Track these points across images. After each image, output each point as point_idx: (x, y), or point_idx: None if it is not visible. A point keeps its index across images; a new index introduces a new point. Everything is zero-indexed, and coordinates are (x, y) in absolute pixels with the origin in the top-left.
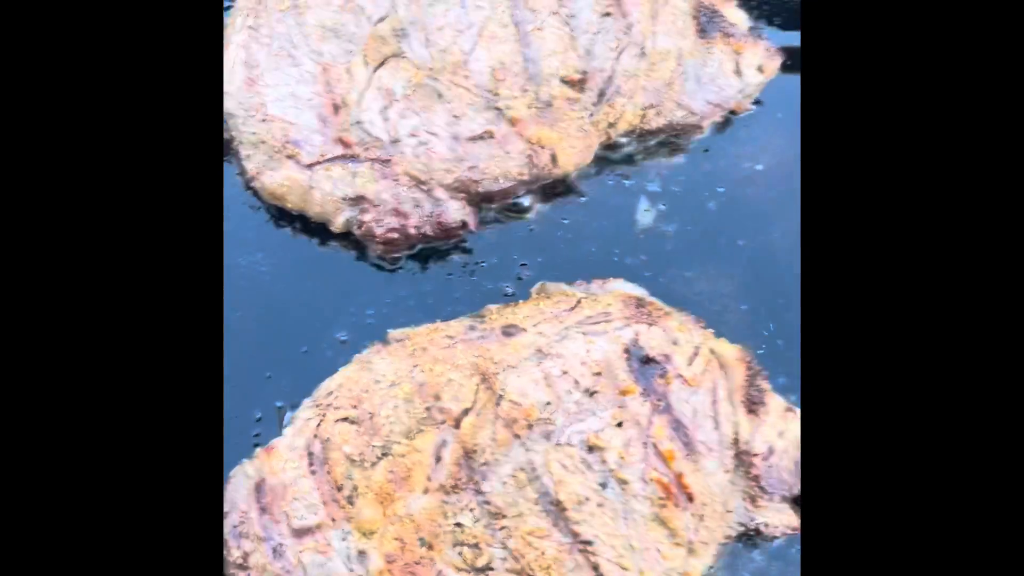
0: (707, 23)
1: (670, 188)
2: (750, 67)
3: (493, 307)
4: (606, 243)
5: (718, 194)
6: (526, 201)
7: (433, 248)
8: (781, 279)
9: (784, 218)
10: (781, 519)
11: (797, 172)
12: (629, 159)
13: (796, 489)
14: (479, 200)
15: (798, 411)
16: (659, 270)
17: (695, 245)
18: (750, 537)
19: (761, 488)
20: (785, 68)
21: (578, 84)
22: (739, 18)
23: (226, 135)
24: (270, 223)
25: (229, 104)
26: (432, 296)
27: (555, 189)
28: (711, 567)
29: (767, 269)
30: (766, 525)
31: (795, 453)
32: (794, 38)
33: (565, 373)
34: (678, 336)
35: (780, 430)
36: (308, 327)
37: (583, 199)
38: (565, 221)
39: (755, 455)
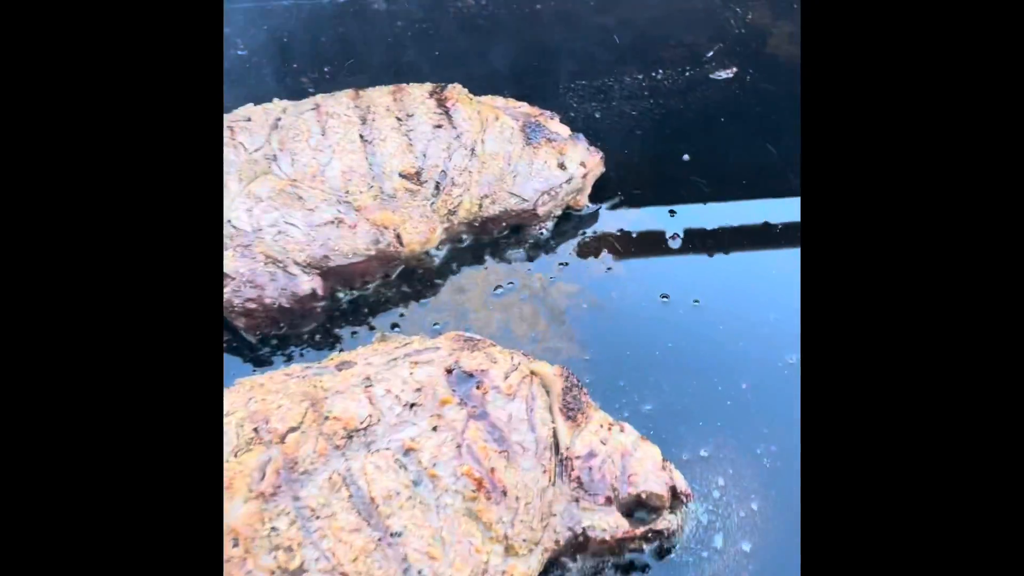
0: (532, 132)
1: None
2: (573, 162)
3: (334, 354)
4: (460, 316)
5: (559, 269)
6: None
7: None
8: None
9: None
10: (607, 521)
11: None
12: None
13: (623, 493)
14: (331, 275)
15: (626, 425)
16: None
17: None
18: (579, 544)
19: (584, 489)
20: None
21: (415, 177)
22: (561, 129)
23: None
24: None
25: None
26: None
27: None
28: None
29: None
30: (592, 528)
31: (619, 460)
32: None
33: (388, 392)
34: (498, 357)
35: (603, 438)
36: None
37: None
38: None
39: (576, 458)
